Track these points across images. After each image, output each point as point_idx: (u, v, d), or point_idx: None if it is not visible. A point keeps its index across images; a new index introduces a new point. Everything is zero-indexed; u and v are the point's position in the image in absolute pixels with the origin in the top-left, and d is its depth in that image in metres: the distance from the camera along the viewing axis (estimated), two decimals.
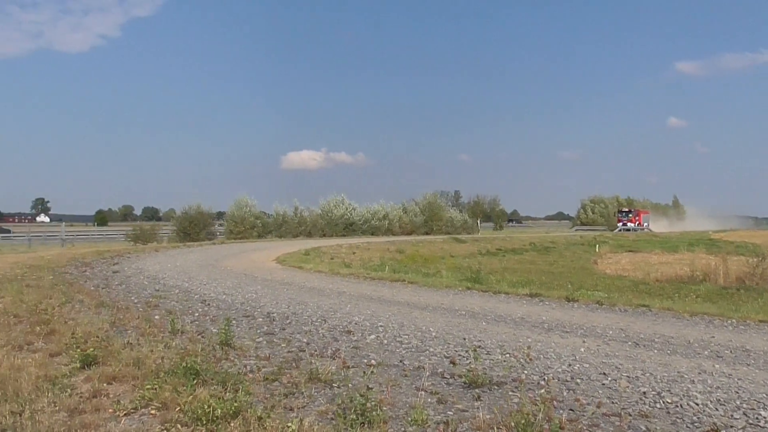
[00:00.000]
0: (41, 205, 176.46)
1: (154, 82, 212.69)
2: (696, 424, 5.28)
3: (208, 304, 11.76)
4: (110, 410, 5.28)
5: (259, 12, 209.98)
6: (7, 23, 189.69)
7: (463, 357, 7.52)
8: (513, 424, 4.86)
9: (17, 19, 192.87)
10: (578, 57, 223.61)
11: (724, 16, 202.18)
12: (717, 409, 5.65)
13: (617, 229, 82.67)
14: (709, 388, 6.32)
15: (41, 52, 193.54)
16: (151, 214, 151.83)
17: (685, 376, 6.80)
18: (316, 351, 7.81)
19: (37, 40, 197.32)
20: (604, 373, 6.88)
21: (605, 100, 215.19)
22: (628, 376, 6.76)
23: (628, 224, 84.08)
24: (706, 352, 8.08)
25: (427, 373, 6.76)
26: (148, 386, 5.72)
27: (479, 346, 8.10)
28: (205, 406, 4.96)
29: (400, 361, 7.38)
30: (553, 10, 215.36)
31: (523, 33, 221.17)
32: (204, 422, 4.81)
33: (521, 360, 7.40)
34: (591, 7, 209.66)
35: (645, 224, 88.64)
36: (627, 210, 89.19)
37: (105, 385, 5.99)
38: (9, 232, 35.60)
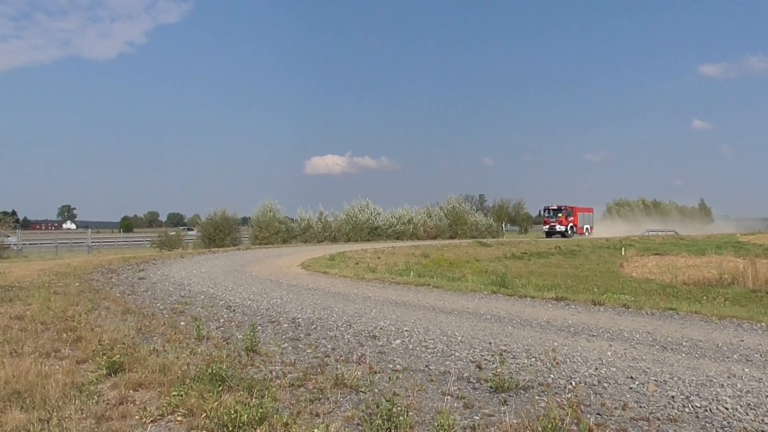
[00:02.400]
0: (67, 212, 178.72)
1: (179, 88, 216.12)
2: (726, 428, 5.22)
3: (234, 310, 11.81)
4: (137, 417, 5.32)
5: (284, 19, 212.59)
6: (36, 31, 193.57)
7: (489, 361, 7.50)
8: (540, 428, 4.84)
9: (46, 27, 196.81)
10: (602, 60, 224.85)
11: (747, 18, 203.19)
12: (747, 414, 5.59)
13: (547, 231, 68.44)
14: (738, 393, 6.25)
15: (69, 59, 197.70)
16: (176, 220, 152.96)
17: (714, 380, 6.73)
18: (341, 356, 7.82)
19: (66, 47, 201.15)
20: (632, 377, 6.83)
21: (630, 102, 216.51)
22: (656, 380, 6.70)
23: (557, 226, 66.96)
24: (735, 356, 7.98)
25: (453, 378, 6.76)
26: (175, 393, 5.76)
27: (505, 351, 8.08)
28: (231, 413, 4.98)
29: (426, 366, 7.37)
30: (576, 16, 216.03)
31: (546, 38, 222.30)
32: (230, 428, 4.83)
33: (548, 364, 7.36)
34: (614, 11, 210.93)
35: (585, 226, 73.23)
36: (556, 208, 68.94)
37: (131, 391, 6.04)
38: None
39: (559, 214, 67.52)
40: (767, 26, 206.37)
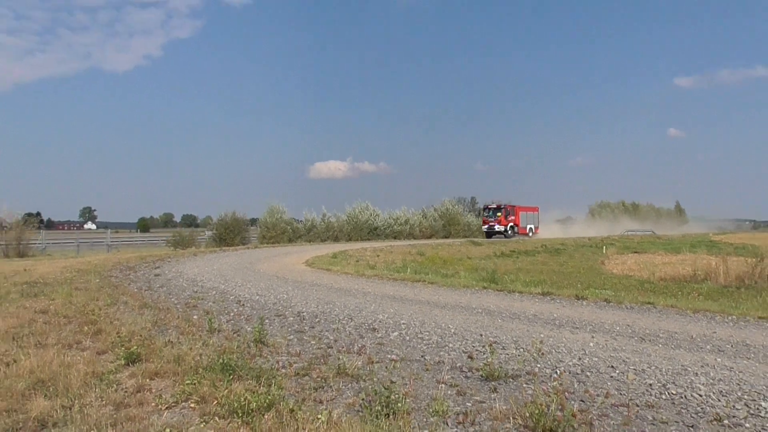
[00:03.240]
0: (88, 214, 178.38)
1: (192, 98, 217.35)
2: (700, 414, 5.22)
3: (243, 305, 11.80)
4: (153, 404, 5.32)
5: (289, 36, 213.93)
6: (59, 45, 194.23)
7: (480, 352, 7.50)
8: (527, 414, 4.85)
9: (68, 42, 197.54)
10: (585, 73, 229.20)
11: (718, 34, 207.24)
12: (719, 400, 5.59)
13: (486, 231, 59.29)
14: (711, 381, 6.25)
15: (90, 71, 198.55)
16: (189, 221, 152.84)
17: (689, 369, 6.73)
18: (343, 347, 7.82)
19: (87, 60, 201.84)
20: (613, 366, 6.83)
21: (610, 112, 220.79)
22: (635, 369, 6.70)
23: (496, 226, 57.92)
24: (708, 347, 7.99)
25: (447, 367, 6.76)
26: (188, 381, 5.76)
27: (495, 342, 8.08)
28: (241, 400, 4.99)
29: (422, 356, 7.37)
30: (562, 34, 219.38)
31: (535, 53, 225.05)
32: (240, 415, 4.83)
33: (534, 354, 7.35)
34: (597, 28, 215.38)
35: (528, 226, 63.11)
36: (495, 207, 59.35)
37: (148, 380, 6.03)
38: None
39: (498, 213, 58.22)
40: (736, 42, 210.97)
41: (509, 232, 58.10)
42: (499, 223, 57.57)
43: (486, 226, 59.04)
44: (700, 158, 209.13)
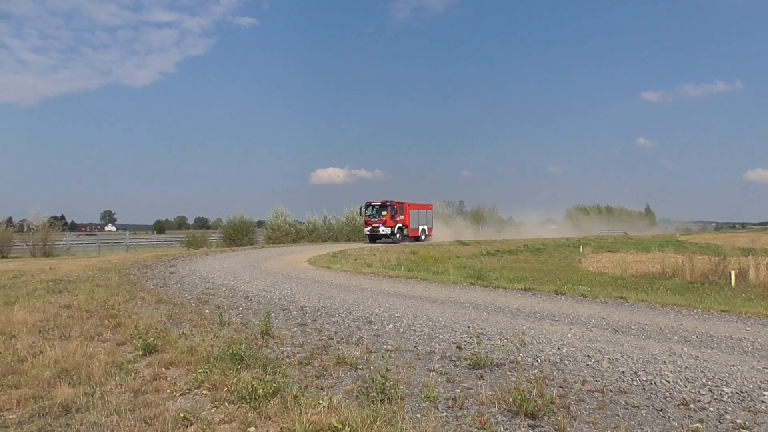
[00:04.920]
0: (109, 216, 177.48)
1: (204, 110, 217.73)
2: (668, 398, 5.24)
3: (251, 300, 11.78)
4: (168, 391, 5.31)
5: (292, 54, 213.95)
6: (82, 62, 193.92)
7: (468, 343, 7.51)
8: (511, 399, 4.86)
9: (90, 59, 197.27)
10: (560, 88, 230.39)
11: (682, 53, 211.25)
12: (686, 386, 5.61)
13: (369, 235, 43.23)
14: (678, 368, 6.27)
15: (110, 86, 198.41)
16: (201, 223, 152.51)
17: (658, 357, 6.75)
18: (342, 339, 7.81)
19: (107, 76, 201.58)
20: (588, 356, 6.84)
21: (585, 123, 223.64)
22: (609, 358, 6.71)
23: (381, 227, 42.14)
24: (675, 337, 8.00)
25: (438, 357, 6.76)
26: (200, 370, 5.76)
27: (481, 333, 8.08)
28: (249, 387, 4.99)
29: (414, 347, 7.36)
30: (541, 52, 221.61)
31: (514, 70, 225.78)
32: (248, 400, 4.83)
33: (517, 345, 7.36)
34: (569, 48, 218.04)
35: (421, 227, 45.90)
36: (379, 204, 42.87)
37: (163, 369, 6.02)
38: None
39: (384, 212, 41.96)
40: (699, 60, 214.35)
41: (398, 235, 42.61)
42: (385, 224, 41.93)
43: (368, 228, 42.83)
44: (668, 165, 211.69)
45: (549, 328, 8.65)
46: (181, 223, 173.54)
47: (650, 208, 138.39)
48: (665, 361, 6.57)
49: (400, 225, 43.18)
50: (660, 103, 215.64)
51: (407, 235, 44.13)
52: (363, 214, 44.02)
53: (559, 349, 7.24)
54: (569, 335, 8.11)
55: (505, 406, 4.88)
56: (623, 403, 5.10)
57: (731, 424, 4.59)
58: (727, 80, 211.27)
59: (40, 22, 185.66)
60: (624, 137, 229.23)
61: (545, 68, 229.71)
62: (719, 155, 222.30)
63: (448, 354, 6.96)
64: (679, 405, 5.05)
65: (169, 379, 5.73)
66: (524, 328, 8.64)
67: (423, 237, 46.24)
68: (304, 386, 5.41)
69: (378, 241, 43.09)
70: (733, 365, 6.44)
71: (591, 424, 4.56)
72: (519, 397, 4.78)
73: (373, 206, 43.00)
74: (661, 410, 4.92)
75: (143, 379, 5.67)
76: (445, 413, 4.80)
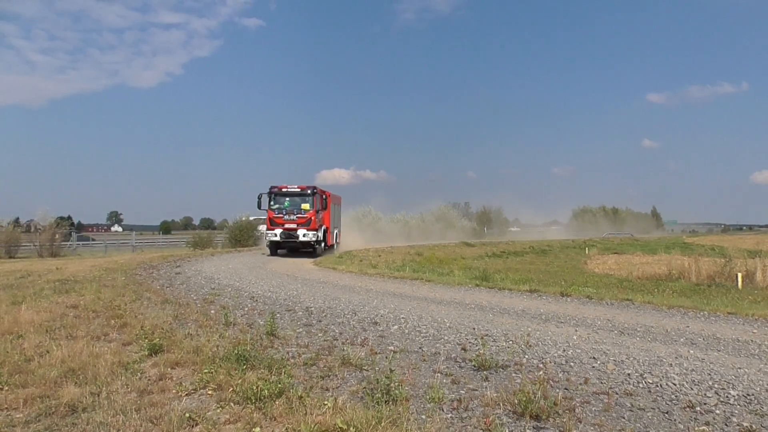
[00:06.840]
0: (115, 217, 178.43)
1: (210, 111, 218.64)
2: (674, 401, 5.22)
3: (256, 300, 11.79)
4: (174, 391, 5.32)
5: (297, 55, 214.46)
6: (89, 63, 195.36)
7: (473, 344, 7.50)
8: (516, 401, 4.85)
9: (97, 60, 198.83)
10: (566, 88, 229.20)
11: (688, 55, 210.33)
12: (692, 389, 5.59)
13: (280, 241, 26.43)
14: (685, 371, 6.25)
15: (117, 87, 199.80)
16: (207, 224, 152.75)
17: (664, 360, 6.73)
18: (347, 339, 7.81)
19: (114, 77, 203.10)
20: (594, 358, 6.82)
21: (590, 125, 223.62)
22: (615, 360, 6.69)
23: (301, 231, 25.89)
24: (682, 340, 7.98)
25: (443, 358, 6.75)
26: (206, 370, 5.76)
27: (486, 335, 8.07)
28: (254, 387, 4.99)
29: (419, 348, 7.36)
30: (547, 53, 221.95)
31: (521, 71, 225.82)
32: (253, 401, 4.83)
33: (522, 346, 7.35)
34: (575, 50, 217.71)
35: (335, 229, 31.95)
36: (298, 190, 26.43)
37: (169, 369, 6.03)
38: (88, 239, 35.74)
39: (305, 205, 26.32)
40: (704, 61, 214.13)
41: (322, 244, 27.70)
42: (308, 224, 26.20)
43: (276, 232, 26.38)
44: (673, 167, 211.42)
45: (554, 330, 8.63)
46: (186, 224, 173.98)
47: (656, 210, 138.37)
48: (671, 364, 6.55)
49: (325, 227, 28.34)
50: (665, 105, 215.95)
51: (326, 243, 29.11)
52: (265, 206, 26.74)
53: (564, 350, 7.22)
54: (575, 337, 8.09)
55: (510, 408, 4.87)
56: (629, 405, 5.08)
57: (738, 427, 4.57)
58: (733, 82, 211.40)
59: (48, 24, 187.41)
60: (629, 139, 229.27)
61: (550, 69, 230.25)
62: (725, 157, 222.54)
63: (453, 355, 6.95)
64: (685, 407, 5.03)
65: (174, 379, 5.74)
66: (529, 329, 8.63)
67: (335, 244, 32.00)
68: (309, 387, 5.41)
69: (295, 253, 27.54)
70: (740, 368, 6.42)
71: (596, 426, 4.54)
72: (524, 398, 4.77)
73: (286, 194, 26.81)
74: (667, 413, 4.90)
75: (149, 379, 5.68)
76: (450, 414, 4.79)
